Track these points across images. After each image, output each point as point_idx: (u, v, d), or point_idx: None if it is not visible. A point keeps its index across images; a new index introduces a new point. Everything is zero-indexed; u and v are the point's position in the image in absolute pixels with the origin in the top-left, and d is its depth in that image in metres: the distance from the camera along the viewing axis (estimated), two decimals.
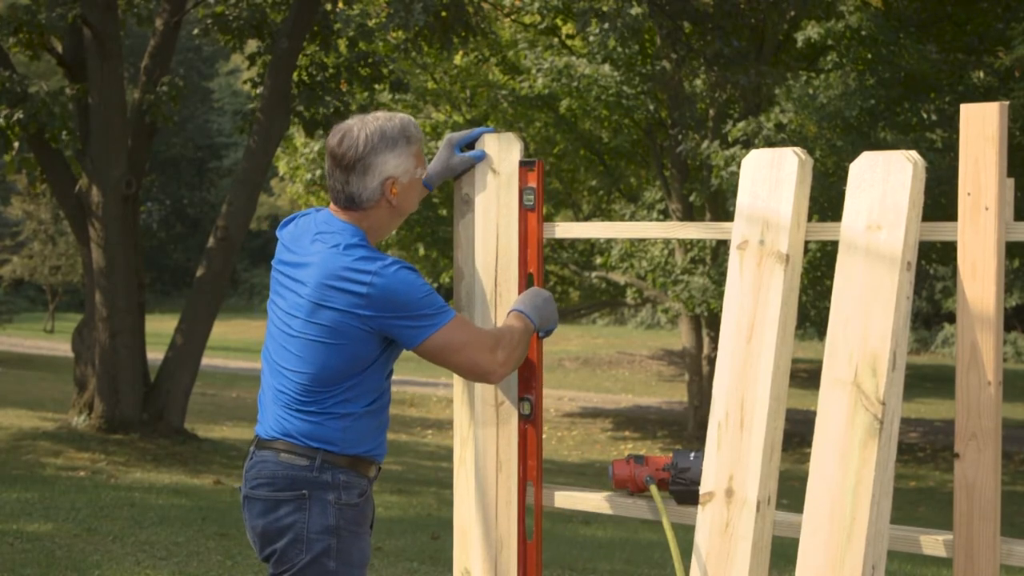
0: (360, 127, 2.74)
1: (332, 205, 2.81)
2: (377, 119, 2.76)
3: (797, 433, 14.37)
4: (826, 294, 14.62)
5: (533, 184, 3.01)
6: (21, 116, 10.28)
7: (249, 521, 2.76)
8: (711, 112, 15.70)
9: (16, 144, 10.85)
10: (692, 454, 2.86)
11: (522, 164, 3.03)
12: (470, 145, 3.13)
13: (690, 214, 16.78)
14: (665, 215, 17.56)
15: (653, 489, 2.86)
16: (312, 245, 2.74)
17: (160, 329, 20.46)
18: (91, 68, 10.88)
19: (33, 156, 11.37)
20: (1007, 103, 2.58)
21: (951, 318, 29.46)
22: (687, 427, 17.70)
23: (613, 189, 19.36)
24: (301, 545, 2.67)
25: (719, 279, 14.99)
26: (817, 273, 15.07)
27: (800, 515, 2.65)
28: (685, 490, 2.84)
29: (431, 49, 13.16)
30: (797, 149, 2.77)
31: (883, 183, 2.62)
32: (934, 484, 13.92)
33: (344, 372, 2.69)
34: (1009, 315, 28.47)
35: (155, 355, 11.94)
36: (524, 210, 3.03)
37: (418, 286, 2.66)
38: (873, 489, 2.53)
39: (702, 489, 2.75)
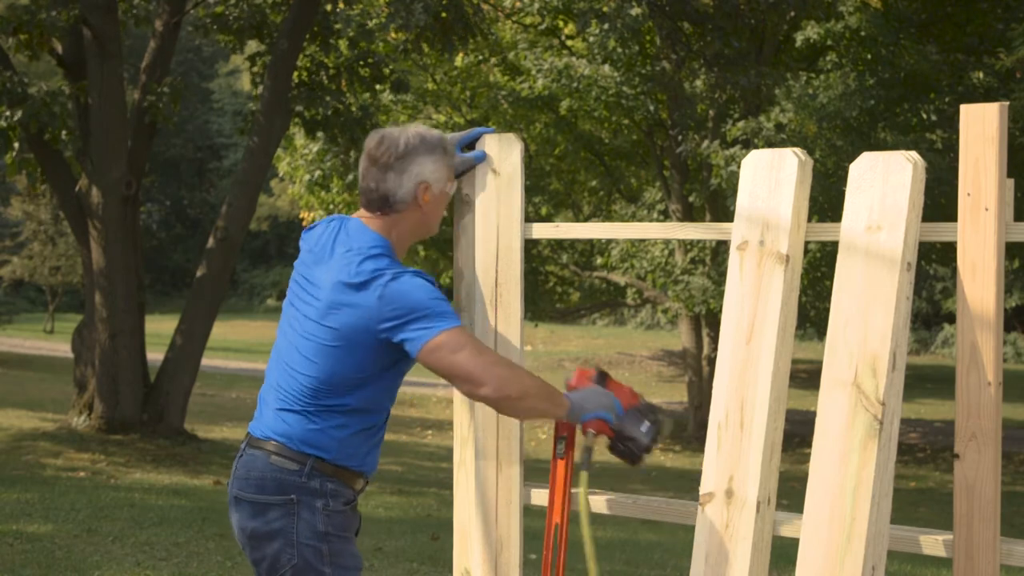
0: (400, 131, 2.80)
1: (363, 211, 2.82)
2: (416, 127, 2.82)
3: (797, 433, 14.37)
4: (826, 294, 14.62)
5: (564, 433, 2.94)
6: (21, 116, 10.28)
7: (238, 522, 2.76)
8: (711, 113, 15.70)
9: (16, 144, 10.85)
10: (644, 425, 2.82)
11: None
12: (470, 145, 3.13)
13: (690, 214, 16.78)
14: (665, 215, 17.56)
15: (583, 478, 2.84)
16: (336, 250, 2.76)
17: (160, 330, 20.46)
18: (91, 68, 10.88)
19: (33, 157, 11.37)
20: (1007, 104, 2.59)
21: (951, 318, 29.47)
22: (687, 428, 17.69)
23: (613, 190, 19.36)
24: (292, 550, 2.67)
25: (719, 279, 14.99)
26: (817, 273, 15.07)
27: (800, 515, 2.65)
28: (621, 453, 2.83)
29: (432, 50, 13.16)
30: (797, 150, 2.77)
31: (883, 184, 2.63)
32: (934, 484, 13.92)
33: (350, 381, 2.69)
34: (1009, 315, 28.46)
35: (155, 356, 11.94)
36: (556, 459, 2.95)
37: (428, 289, 2.66)
38: (873, 490, 2.53)
39: (702, 490, 2.75)
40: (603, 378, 2.89)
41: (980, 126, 2.57)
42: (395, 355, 2.70)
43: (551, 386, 2.72)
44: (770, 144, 13.00)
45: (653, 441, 2.82)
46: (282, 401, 2.74)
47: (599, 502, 3.01)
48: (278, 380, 2.76)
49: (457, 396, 3.13)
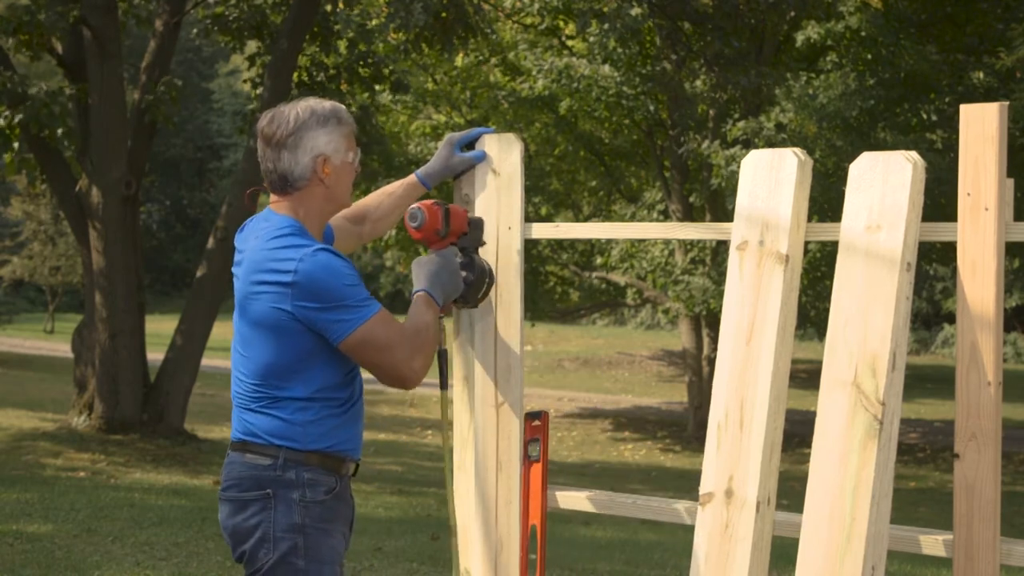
0: (290, 107, 2.74)
1: (271, 197, 2.78)
2: (307, 100, 2.76)
3: (797, 433, 14.36)
4: (826, 294, 14.61)
5: (539, 436, 3.00)
6: (21, 116, 10.28)
7: (222, 521, 2.78)
8: (711, 113, 15.70)
9: (16, 144, 10.85)
10: (467, 277, 2.90)
11: (528, 416, 3.02)
12: (470, 145, 3.13)
13: (690, 214, 16.77)
14: (665, 215, 17.56)
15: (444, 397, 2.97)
16: (248, 242, 2.75)
17: (160, 330, 20.44)
18: (91, 69, 10.88)
19: (33, 157, 11.37)
20: (1007, 104, 2.59)
21: (951, 318, 29.45)
22: (687, 428, 17.70)
23: (613, 190, 19.36)
24: (268, 544, 2.68)
25: (719, 279, 14.98)
26: (817, 273, 15.07)
27: (800, 515, 2.65)
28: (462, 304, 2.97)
29: (432, 51, 13.16)
30: (797, 150, 2.77)
31: (883, 184, 2.62)
32: (934, 484, 13.92)
33: (290, 367, 2.66)
34: (1009, 315, 28.45)
35: (155, 356, 11.94)
36: (528, 461, 3.01)
37: (342, 273, 2.60)
38: (873, 490, 2.53)
39: (702, 490, 2.75)
40: (447, 215, 2.90)
41: (980, 126, 2.57)
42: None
43: (431, 328, 2.71)
44: (770, 144, 13.00)
45: (478, 280, 2.93)
46: (239, 402, 2.77)
47: (599, 502, 3.01)
48: (233, 382, 2.79)
49: (457, 397, 3.14)
